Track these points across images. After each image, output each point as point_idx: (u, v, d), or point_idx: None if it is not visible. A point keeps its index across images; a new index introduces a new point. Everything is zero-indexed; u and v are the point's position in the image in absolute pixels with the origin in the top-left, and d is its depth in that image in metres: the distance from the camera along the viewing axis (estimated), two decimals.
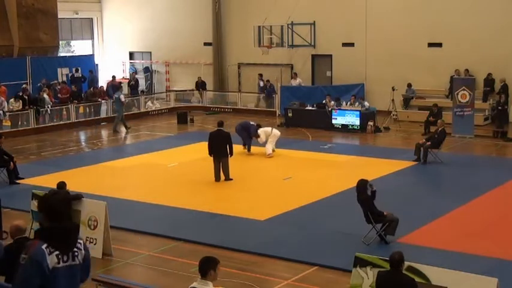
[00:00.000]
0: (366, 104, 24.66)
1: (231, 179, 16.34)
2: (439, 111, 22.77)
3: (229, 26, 31.92)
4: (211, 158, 16.37)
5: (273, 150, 19.54)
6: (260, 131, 19.82)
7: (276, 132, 20.00)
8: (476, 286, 7.73)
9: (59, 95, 26.85)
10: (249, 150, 19.82)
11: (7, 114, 24.12)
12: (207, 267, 6.25)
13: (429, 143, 18.39)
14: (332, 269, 10.49)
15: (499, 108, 23.15)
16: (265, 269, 10.66)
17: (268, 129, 20.01)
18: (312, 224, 12.84)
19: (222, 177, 16.37)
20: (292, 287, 9.95)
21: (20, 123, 24.57)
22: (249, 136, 19.86)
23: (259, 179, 16.90)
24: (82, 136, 24.70)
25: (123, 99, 25.79)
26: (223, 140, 16.36)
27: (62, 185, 11.83)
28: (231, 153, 16.41)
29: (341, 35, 28.48)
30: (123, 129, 25.07)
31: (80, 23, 36.10)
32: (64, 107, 26.27)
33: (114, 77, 30.26)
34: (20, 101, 24.75)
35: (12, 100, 24.69)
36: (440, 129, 18.72)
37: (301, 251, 11.29)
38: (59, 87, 27.34)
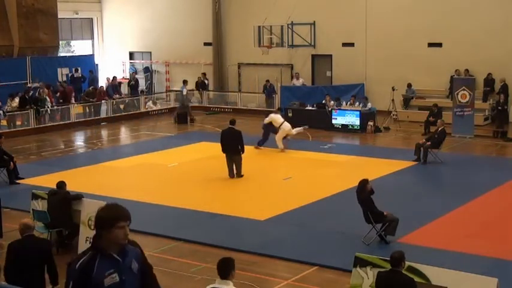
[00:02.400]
0: (369, 104, 24.63)
1: (242, 175, 16.62)
2: (439, 111, 22.76)
3: (229, 26, 31.91)
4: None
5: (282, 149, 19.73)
6: (270, 115, 20.24)
7: (285, 126, 19.99)
8: (476, 286, 7.73)
9: (58, 95, 26.82)
10: (261, 144, 20.04)
11: (7, 114, 24.12)
12: (229, 268, 6.28)
13: (429, 143, 18.39)
14: (332, 269, 10.50)
15: (499, 108, 23.14)
16: (265, 269, 10.66)
17: (280, 119, 20.11)
18: (312, 224, 12.84)
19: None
20: (292, 287, 9.95)
21: (20, 123, 24.58)
22: (271, 132, 20.10)
23: (259, 179, 16.89)
24: (82, 136, 24.70)
25: (184, 92, 26.99)
26: (235, 138, 16.61)
27: (61, 185, 11.84)
28: (242, 151, 16.62)
29: (341, 35, 28.47)
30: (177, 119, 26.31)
31: (80, 23, 36.09)
32: (64, 107, 26.27)
33: (115, 77, 30.23)
34: (17, 100, 24.71)
35: (9, 100, 24.67)
36: (440, 129, 18.73)
37: (301, 251, 11.29)
38: (61, 88, 27.29)
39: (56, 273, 8.10)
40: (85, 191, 13.19)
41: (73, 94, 27.27)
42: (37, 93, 25.45)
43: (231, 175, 16.61)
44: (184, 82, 28.05)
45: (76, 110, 26.58)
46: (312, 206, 14.15)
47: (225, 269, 6.26)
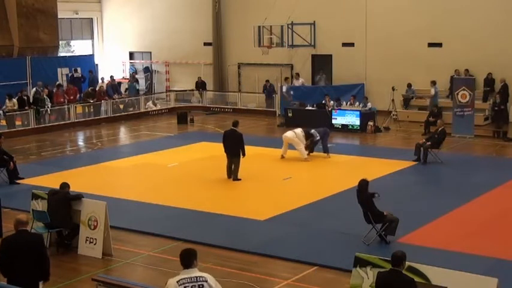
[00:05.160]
0: (369, 104, 24.63)
1: (239, 179, 16.43)
2: (439, 111, 22.75)
3: (229, 26, 31.92)
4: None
5: (282, 156, 19.23)
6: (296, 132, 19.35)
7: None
8: (476, 286, 7.73)
9: (65, 96, 26.76)
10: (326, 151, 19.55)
11: (7, 114, 24.10)
12: (193, 258, 6.54)
13: (429, 143, 18.39)
14: (332, 269, 10.49)
15: (495, 108, 23.12)
16: (265, 269, 10.66)
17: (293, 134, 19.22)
18: (312, 224, 12.84)
19: None
20: (292, 287, 9.95)
21: (19, 123, 24.55)
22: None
23: (259, 179, 16.88)
24: (82, 136, 24.70)
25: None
26: (236, 140, 16.48)
27: (63, 186, 11.84)
28: (243, 154, 16.48)
29: (341, 35, 28.48)
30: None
31: (80, 23, 36.10)
32: (64, 107, 26.24)
33: (113, 78, 30.24)
34: (14, 101, 24.68)
35: (7, 100, 24.65)
36: (440, 129, 18.72)
37: (301, 251, 11.28)
38: (64, 88, 27.33)
39: (48, 268, 8.13)
40: (85, 191, 13.18)
41: (78, 94, 27.34)
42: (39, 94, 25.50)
43: (229, 176, 16.54)
44: (434, 82, 25.56)
45: (76, 110, 26.55)
46: (312, 206, 14.14)
47: (190, 259, 6.51)
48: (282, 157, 19.13)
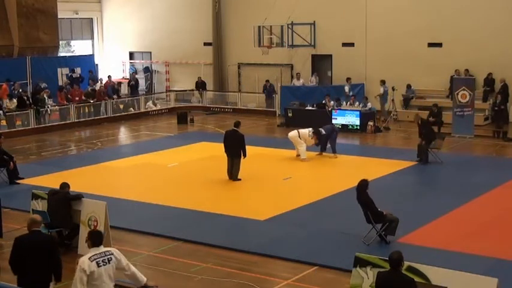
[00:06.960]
0: (369, 104, 24.64)
1: (239, 179, 16.40)
2: (439, 111, 22.75)
3: (229, 26, 31.92)
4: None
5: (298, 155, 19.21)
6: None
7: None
8: (476, 286, 7.72)
9: (69, 97, 26.75)
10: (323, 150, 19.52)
11: (7, 114, 24.09)
12: (101, 238, 7.52)
13: (424, 142, 18.33)
14: (332, 269, 10.49)
15: (495, 108, 23.12)
16: (265, 269, 10.66)
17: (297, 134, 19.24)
18: (312, 224, 12.84)
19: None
20: (292, 287, 9.95)
21: (19, 123, 24.54)
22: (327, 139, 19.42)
23: (259, 179, 16.88)
24: (82, 136, 24.69)
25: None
26: (237, 141, 16.44)
27: (64, 186, 11.84)
28: (244, 155, 16.43)
29: (341, 35, 28.48)
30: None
31: (80, 23, 36.11)
32: (64, 107, 26.23)
33: (110, 77, 30.26)
34: (15, 101, 24.66)
35: (7, 100, 24.64)
36: (418, 122, 18.55)
37: (301, 251, 11.29)
38: (67, 88, 27.32)
39: (60, 270, 8.15)
40: (85, 191, 13.18)
41: (84, 97, 27.38)
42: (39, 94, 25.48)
43: (230, 176, 16.53)
44: (383, 82, 25.71)
45: (76, 110, 26.54)
46: (312, 206, 14.15)
47: (101, 239, 7.45)
48: (298, 156, 19.03)
